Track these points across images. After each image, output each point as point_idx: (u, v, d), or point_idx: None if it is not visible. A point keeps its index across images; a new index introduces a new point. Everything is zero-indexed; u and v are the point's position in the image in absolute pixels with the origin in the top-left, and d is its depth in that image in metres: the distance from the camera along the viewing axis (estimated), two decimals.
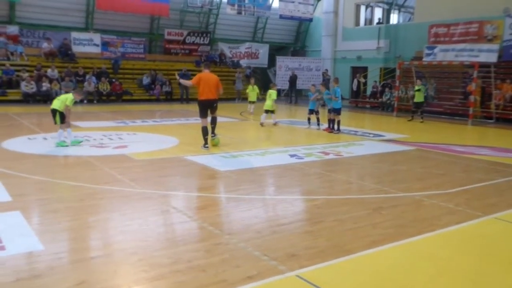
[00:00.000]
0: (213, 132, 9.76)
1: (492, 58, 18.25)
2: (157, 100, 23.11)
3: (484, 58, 18.33)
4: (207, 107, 9.58)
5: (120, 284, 3.49)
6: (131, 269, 3.72)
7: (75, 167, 7.53)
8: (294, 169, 7.83)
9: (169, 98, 23.65)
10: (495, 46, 18.68)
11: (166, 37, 26.62)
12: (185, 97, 22.98)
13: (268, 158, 8.66)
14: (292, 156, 8.93)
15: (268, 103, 14.15)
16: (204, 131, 9.46)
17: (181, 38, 27.12)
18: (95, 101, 21.14)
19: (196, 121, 14.44)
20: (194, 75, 24.79)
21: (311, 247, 4.28)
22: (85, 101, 20.80)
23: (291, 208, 5.60)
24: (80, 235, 4.47)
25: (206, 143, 9.46)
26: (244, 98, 21.63)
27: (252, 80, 18.65)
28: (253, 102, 17.63)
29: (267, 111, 14.15)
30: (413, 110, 16.68)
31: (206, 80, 9.61)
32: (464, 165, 8.62)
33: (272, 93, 14.31)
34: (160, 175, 7.12)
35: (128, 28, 25.66)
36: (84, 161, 7.94)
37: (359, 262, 4.01)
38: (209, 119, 9.63)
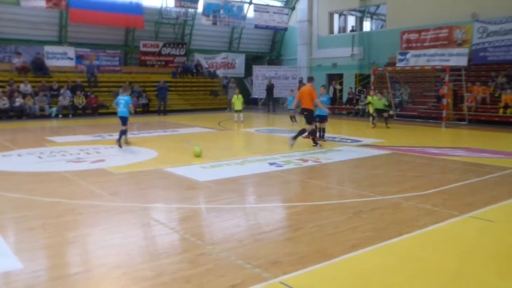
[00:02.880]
0: (294, 138, 11.10)
1: (463, 61, 18.76)
2: (134, 113, 22.87)
3: (454, 62, 18.81)
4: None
5: None
6: (114, 283, 3.69)
7: (52, 183, 7.42)
8: (273, 177, 7.87)
9: (146, 110, 23.52)
10: (465, 50, 19.22)
11: (142, 49, 26.51)
12: (163, 109, 22.88)
13: (247, 167, 8.68)
14: (271, 164, 8.98)
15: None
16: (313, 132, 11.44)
17: (157, 50, 27.04)
18: (70, 115, 20.87)
19: (174, 133, 14.50)
20: (171, 86, 25.13)
21: (293, 253, 4.31)
22: (60, 116, 20.55)
23: (271, 216, 5.63)
24: (59, 252, 4.40)
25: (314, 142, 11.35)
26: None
27: (237, 90, 19.22)
28: (240, 111, 18.07)
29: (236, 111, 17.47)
30: (373, 116, 16.45)
31: (304, 92, 11.41)
32: (439, 167, 8.80)
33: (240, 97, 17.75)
34: (139, 188, 7.07)
35: (103, 40, 25.48)
36: (61, 177, 7.83)
37: (341, 266, 4.06)
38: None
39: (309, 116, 11.29)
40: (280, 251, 4.37)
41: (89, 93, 22.34)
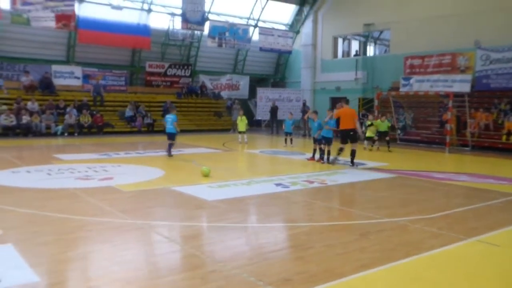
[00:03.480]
0: (352, 162, 12.05)
1: (466, 88, 18.99)
2: (139, 132, 23.17)
3: (457, 88, 19.05)
4: (347, 135, 12.13)
5: None
6: None
7: (62, 199, 7.52)
8: (280, 198, 7.97)
9: (150, 129, 23.72)
10: (468, 77, 19.47)
11: (148, 69, 26.89)
12: None
13: (254, 188, 8.79)
14: (277, 185, 9.08)
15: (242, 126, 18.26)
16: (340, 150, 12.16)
17: (163, 70, 27.42)
18: (76, 134, 21.07)
19: (179, 152, 14.63)
20: (177, 106, 25.37)
21: (303, 271, 4.39)
22: (66, 134, 20.75)
23: (280, 235, 5.72)
24: (74, 266, 4.49)
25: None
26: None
27: (241, 112, 19.59)
28: (243, 132, 18.43)
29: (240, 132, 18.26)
30: (373, 140, 16.68)
31: (347, 113, 12.25)
32: (444, 191, 8.89)
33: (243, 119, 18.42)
34: (149, 205, 7.17)
35: (109, 60, 25.87)
36: (70, 194, 7.94)
37: (351, 285, 4.13)
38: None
39: (355, 135, 12.29)
40: (291, 269, 4.45)
41: (95, 112, 22.58)
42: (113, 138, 20.33)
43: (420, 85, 20.75)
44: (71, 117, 21.32)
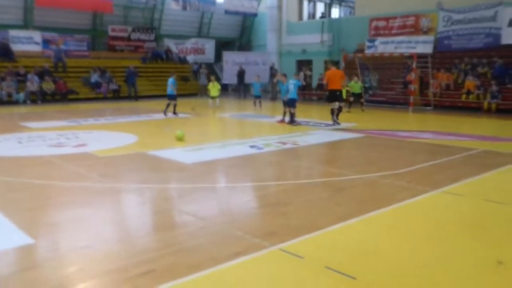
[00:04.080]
0: (337, 118, 13.18)
1: (428, 49, 19.52)
2: (105, 98, 22.76)
3: (421, 49, 19.56)
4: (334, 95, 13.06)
5: (119, 267, 3.70)
6: (126, 253, 3.95)
7: (39, 166, 7.51)
8: (256, 159, 8.22)
9: (116, 96, 23.35)
10: (430, 38, 19.98)
11: (110, 33, 26.20)
12: (134, 95, 22.76)
13: (229, 150, 8.99)
14: (252, 147, 9.31)
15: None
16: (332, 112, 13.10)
17: (126, 35, 26.79)
18: (39, 101, 20.50)
19: (149, 118, 14.61)
20: (141, 72, 24.95)
21: (287, 225, 4.68)
22: (28, 101, 20.19)
23: (260, 193, 5.98)
24: (65, 228, 4.61)
25: (335, 120, 13.10)
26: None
27: (213, 77, 19.97)
28: (216, 97, 18.84)
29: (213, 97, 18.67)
30: (350, 101, 17.20)
31: (336, 74, 13.19)
32: (409, 148, 9.36)
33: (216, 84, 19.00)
34: (127, 170, 7.29)
35: (70, 25, 25.06)
36: (46, 161, 7.92)
37: (331, 235, 4.45)
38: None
39: (341, 95, 13.48)
40: (275, 223, 4.73)
41: (57, 79, 21.98)
42: (78, 105, 19.97)
43: (385, 46, 21.19)
44: (32, 84, 20.69)
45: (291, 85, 12.80)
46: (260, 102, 18.02)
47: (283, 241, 4.20)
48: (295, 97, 12.83)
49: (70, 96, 21.83)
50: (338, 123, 13.03)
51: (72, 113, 16.18)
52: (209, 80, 20.10)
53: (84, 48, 25.44)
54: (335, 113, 13.23)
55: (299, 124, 12.72)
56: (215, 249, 4.05)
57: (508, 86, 17.69)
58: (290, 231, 4.50)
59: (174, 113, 15.27)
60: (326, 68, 14.35)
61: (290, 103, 12.83)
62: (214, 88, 18.85)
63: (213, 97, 18.81)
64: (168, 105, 15.31)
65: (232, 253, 3.93)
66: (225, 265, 3.72)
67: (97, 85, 23.18)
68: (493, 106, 16.88)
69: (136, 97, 22.69)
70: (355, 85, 17.12)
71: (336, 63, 20.83)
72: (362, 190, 6.08)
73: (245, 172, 7.38)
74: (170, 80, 15.62)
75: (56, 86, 21.47)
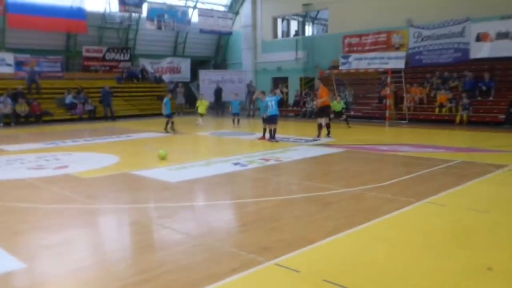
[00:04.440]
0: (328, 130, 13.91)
1: (400, 64, 20.02)
2: (80, 119, 22.50)
3: (393, 65, 20.05)
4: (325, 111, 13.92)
5: (118, 287, 3.69)
6: (123, 274, 3.94)
7: (21, 189, 7.38)
8: (241, 176, 8.28)
9: (92, 116, 23.10)
10: (402, 54, 20.51)
11: (85, 54, 26.02)
12: (110, 115, 22.58)
13: (213, 168, 9.01)
14: (235, 164, 9.36)
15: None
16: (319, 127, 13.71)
17: (101, 55, 26.64)
18: (12, 124, 20.13)
19: (128, 138, 14.51)
20: (117, 92, 24.79)
21: (280, 240, 4.73)
22: (1, 124, 19.80)
23: (249, 210, 6.02)
24: (57, 251, 4.55)
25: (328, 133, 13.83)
26: (187, 113, 23.68)
27: (202, 95, 20.74)
28: (203, 115, 19.25)
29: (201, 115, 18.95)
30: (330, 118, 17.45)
31: (327, 91, 13.90)
32: (390, 161, 9.58)
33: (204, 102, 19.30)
34: (113, 190, 7.23)
35: (43, 46, 24.78)
36: (28, 184, 7.79)
37: (325, 248, 4.53)
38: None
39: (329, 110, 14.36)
40: (267, 239, 4.78)
41: (31, 101, 21.64)
42: (54, 126, 19.67)
43: (358, 62, 21.62)
44: (6, 107, 20.33)
45: (272, 101, 12.93)
46: (238, 120, 18.14)
47: (278, 256, 4.25)
48: (277, 113, 12.98)
49: (45, 118, 21.52)
50: (327, 137, 13.60)
51: (48, 135, 15.93)
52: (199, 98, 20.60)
53: (58, 69, 25.13)
54: (322, 128, 13.69)
55: (277, 141, 12.83)
56: (212, 266, 4.07)
57: (478, 98, 18.30)
58: (283, 245, 4.56)
59: (165, 129, 16.08)
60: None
61: (271, 120, 12.94)
62: (202, 106, 19.16)
63: (201, 115, 19.22)
64: (167, 122, 16.19)
65: (229, 270, 3.96)
66: (224, 281, 3.74)
67: (72, 106, 22.90)
68: (465, 118, 17.40)
69: (113, 117, 22.52)
70: (337, 105, 17.46)
71: (312, 80, 21.22)
72: (349, 203, 6.20)
73: (231, 189, 7.42)
74: (165, 100, 16.55)
75: (30, 108, 21.13)
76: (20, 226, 5.36)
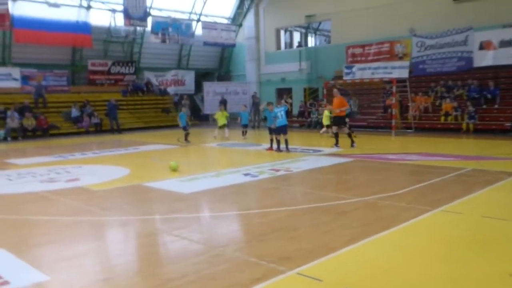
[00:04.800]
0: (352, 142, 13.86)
1: (404, 74, 20.09)
2: (87, 133, 22.60)
3: (397, 74, 20.11)
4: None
5: None
6: (147, 284, 3.96)
7: (35, 202, 7.42)
8: (253, 186, 8.31)
9: (99, 129, 23.20)
10: (405, 63, 20.60)
11: (90, 67, 26.22)
12: (116, 128, 22.67)
13: (224, 179, 9.04)
14: (246, 175, 9.40)
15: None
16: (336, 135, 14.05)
17: (106, 68, 26.85)
18: (19, 138, 20.24)
19: (136, 150, 14.58)
20: (122, 105, 24.92)
21: (300, 249, 4.75)
22: (9, 139, 19.90)
23: (266, 220, 6.03)
24: (79, 263, 4.57)
25: (336, 143, 13.84)
26: (193, 125, 22.97)
27: (222, 106, 19.70)
28: (224, 126, 18.16)
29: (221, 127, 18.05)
30: (327, 126, 17.35)
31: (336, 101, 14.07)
32: (400, 170, 9.60)
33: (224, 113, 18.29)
34: (128, 202, 7.26)
35: (49, 60, 24.98)
36: (41, 197, 7.83)
37: (345, 257, 4.54)
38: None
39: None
40: (287, 248, 4.80)
41: (38, 114, 21.78)
42: (61, 140, 19.75)
43: (362, 72, 21.69)
44: (13, 121, 20.44)
45: (281, 111, 12.93)
46: (246, 131, 18.13)
47: (299, 265, 4.27)
48: (286, 123, 13.00)
49: (52, 132, 21.64)
50: (335, 147, 13.72)
51: (56, 148, 16.01)
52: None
53: (64, 83, 25.33)
54: (338, 136, 14.04)
55: (289, 151, 12.85)
56: (234, 275, 4.09)
57: (484, 106, 18.34)
58: (304, 255, 4.57)
59: (186, 140, 16.73)
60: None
61: (281, 130, 12.93)
62: (222, 117, 18.03)
63: (220, 127, 18.13)
64: (186, 134, 16.95)
65: (253, 279, 3.98)
66: None
67: (78, 120, 23.03)
68: (471, 126, 17.42)
69: (119, 130, 22.61)
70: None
71: (316, 91, 21.28)
72: (365, 212, 6.21)
73: (245, 199, 7.45)
74: (180, 114, 17.42)
75: (37, 122, 21.26)
76: (38, 238, 5.40)
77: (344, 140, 14.13)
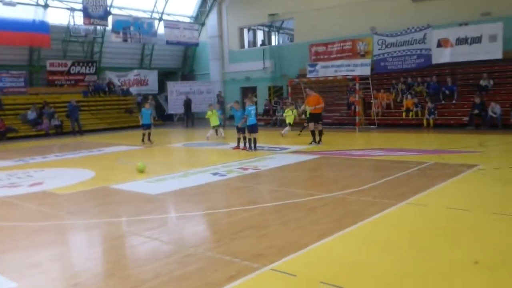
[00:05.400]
0: (320, 140, 13.99)
1: (366, 71, 20.55)
2: (47, 135, 21.94)
3: (359, 72, 20.56)
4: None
5: None
6: (119, 287, 3.90)
7: None
8: (222, 185, 8.31)
9: (59, 132, 22.57)
10: (367, 61, 21.09)
11: (49, 68, 25.53)
12: (78, 130, 22.11)
13: (192, 179, 8.99)
14: (214, 174, 9.38)
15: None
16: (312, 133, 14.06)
17: (66, 69, 26.20)
18: None
19: (100, 152, 14.29)
20: (83, 106, 24.35)
21: (271, 246, 4.79)
22: None
23: (236, 218, 6.05)
24: (47, 268, 4.46)
25: (314, 140, 13.99)
26: (156, 125, 22.36)
27: (212, 106, 18.27)
28: (217, 126, 17.18)
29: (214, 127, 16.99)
30: (290, 124, 17.57)
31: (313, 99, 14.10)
32: (366, 166, 9.81)
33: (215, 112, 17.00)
34: (95, 205, 7.12)
35: (5, 61, 24.16)
36: (4, 202, 7.57)
37: (316, 251, 4.62)
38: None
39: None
40: (259, 246, 4.83)
41: None
42: (19, 143, 19.12)
43: (325, 70, 22.07)
44: None
45: (252, 111, 12.91)
46: (216, 130, 17.71)
47: (273, 262, 4.31)
48: (256, 122, 12.98)
49: (9, 135, 20.89)
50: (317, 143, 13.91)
51: (15, 152, 15.51)
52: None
53: (21, 84, 24.48)
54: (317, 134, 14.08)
55: (257, 150, 12.89)
56: (208, 274, 4.09)
57: (443, 102, 18.95)
58: (276, 251, 4.62)
59: (149, 140, 16.28)
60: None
61: (252, 129, 12.92)
62: (213, 117, 16.84)
63: (214, 127, 17.06)
64: (143, 134, 16.35)
65: (227, 277, 3.99)
66: None
67: (36, 122, 22.33)
68: (431, 122, 17.98)
69: (81, 132, 22.08)
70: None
71: (280, 89, 21.39)
72: (333, 208, 6.32)
73: (215, 198, 7.44)
74: (143, 109, 16.65)
75: None
76: (4, 244, 5.22)
77: (308, 137, 14.32)
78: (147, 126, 16.35)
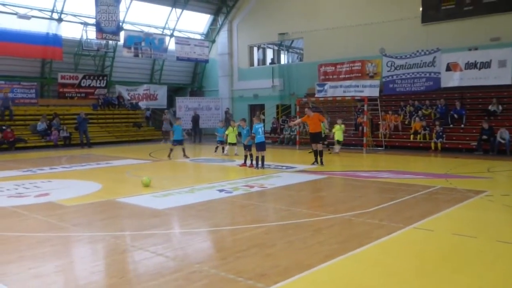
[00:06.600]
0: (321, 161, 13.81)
1: (375, 92, 20.60)
2: (55, 146, 22.10)
3: (368, 92, 20.60)
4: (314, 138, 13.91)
5: None
6: None
7: (5, 218, 7.19)
8: (228, 203, 8.30)
9: (68, 143, 22.72)
10: (376, 82, 21.13)
11: (60, 80, 25.85)
12: (86, 142, 22.26)
13: (198, 195, 9.00)
14: (220, 191, 9.38)
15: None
16: (315, 153, 13.94)
17: (76, 82, 26.50)
18: None
19: (108, 165, 14.35)
20: (93, 118, 24.54)
21: (276, 266, 4.77)
22: None
23: (242, 236, 6.03)
24: (51, 280, 4.46)
25: (316, 161, 13.88)
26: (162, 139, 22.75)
27: (233, 121, 17.99)
28: (235, 144, 16.74)
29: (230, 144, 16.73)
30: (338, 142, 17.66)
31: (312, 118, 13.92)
32: (373, 188, 9.76)
33: (235, 129, 16.65)
34: (102, 218, 7.13)
35: (18, 72, 24.57)
36: (11, 212, 7.61)
37: (321, 273, 4.58)
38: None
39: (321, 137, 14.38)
40: (264, 265, 4.81)
41: (4, 127, 21.20)
42: (28, 153, 19.26)
43: (334, 90, 22.14)
44: None
45: (260, 128, 12.94)
46: (223, 147, 17.76)
47: (277, 282, 4.29)
48: (263, 140, 12.97)
49: (18, 145, 21.07)
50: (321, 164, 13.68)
51: (23, 162, 15.61)
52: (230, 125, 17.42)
53: (32, 95, 24.80)
54: (318, 154, 13.82)
55: (264, 168, 12.88)
56: None
57: (451, 126, 18.91)
58: (280, 271, 4.59)
59: (184, 155, 16.27)
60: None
61: (260, 146, 12.90)
62: (232, 134, 16.46)
63: (230, 144, 16.70)
64: (171, 149, 16.27)
65: None
66: None
67: (45, 133, 22.51)
68: (439, 145, 17.91)
69: (89, 144, 22.21)
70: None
71: (288, 107, 21.44)
72: (340, 229, 6.29)
73: (221, 215, 7.43)
74: (176, 126, 16.63)
75: (3, 135, 20.69)
76: (9, 255, 5.23)
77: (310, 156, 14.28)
78: (179, 142, 16.25)
